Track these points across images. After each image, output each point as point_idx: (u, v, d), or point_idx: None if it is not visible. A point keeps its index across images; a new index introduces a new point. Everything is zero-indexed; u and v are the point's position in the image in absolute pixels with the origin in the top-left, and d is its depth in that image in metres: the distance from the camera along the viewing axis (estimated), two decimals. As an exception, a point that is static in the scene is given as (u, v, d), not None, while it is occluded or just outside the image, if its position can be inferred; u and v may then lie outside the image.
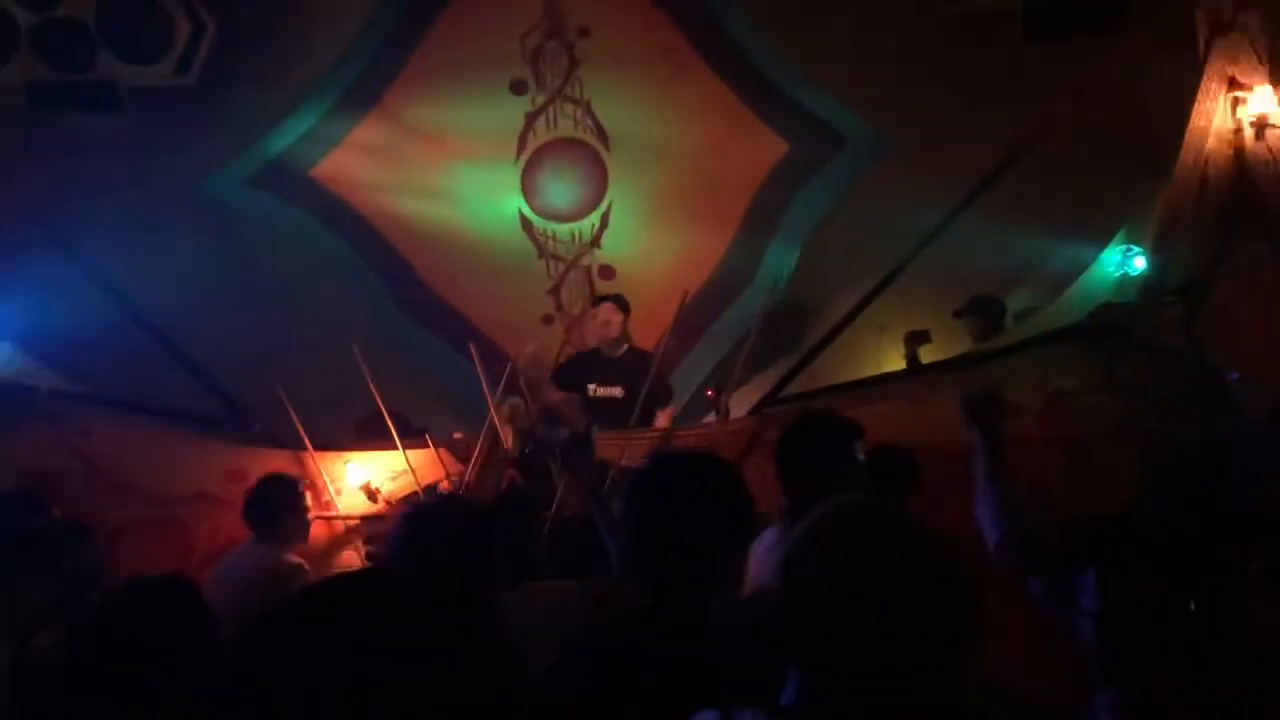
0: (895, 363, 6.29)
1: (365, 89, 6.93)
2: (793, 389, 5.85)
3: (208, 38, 6.54)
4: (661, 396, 5.99)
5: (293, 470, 5.48)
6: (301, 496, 4.69)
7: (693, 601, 1.99)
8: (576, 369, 6.23)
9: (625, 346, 6.19)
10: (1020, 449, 4.90)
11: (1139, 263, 5.29)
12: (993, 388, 3.29)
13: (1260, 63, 4.88)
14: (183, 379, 5.98)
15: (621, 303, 6.21)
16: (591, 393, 6.10)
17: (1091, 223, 5.81)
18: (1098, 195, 5.98)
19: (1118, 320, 5.10)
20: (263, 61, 6.82)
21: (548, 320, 7.07)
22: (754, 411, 5.60)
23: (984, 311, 6.22)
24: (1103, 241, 5.56)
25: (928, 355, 6.30)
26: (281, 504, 4.54)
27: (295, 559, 4.43)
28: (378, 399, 5.49)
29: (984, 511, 3.10)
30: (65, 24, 6.45)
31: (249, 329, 6.44)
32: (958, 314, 6.36)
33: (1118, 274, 5.45)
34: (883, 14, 6.58)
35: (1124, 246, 5.47)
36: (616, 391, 6.03)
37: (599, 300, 6.37)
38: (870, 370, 6.21)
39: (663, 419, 5.86)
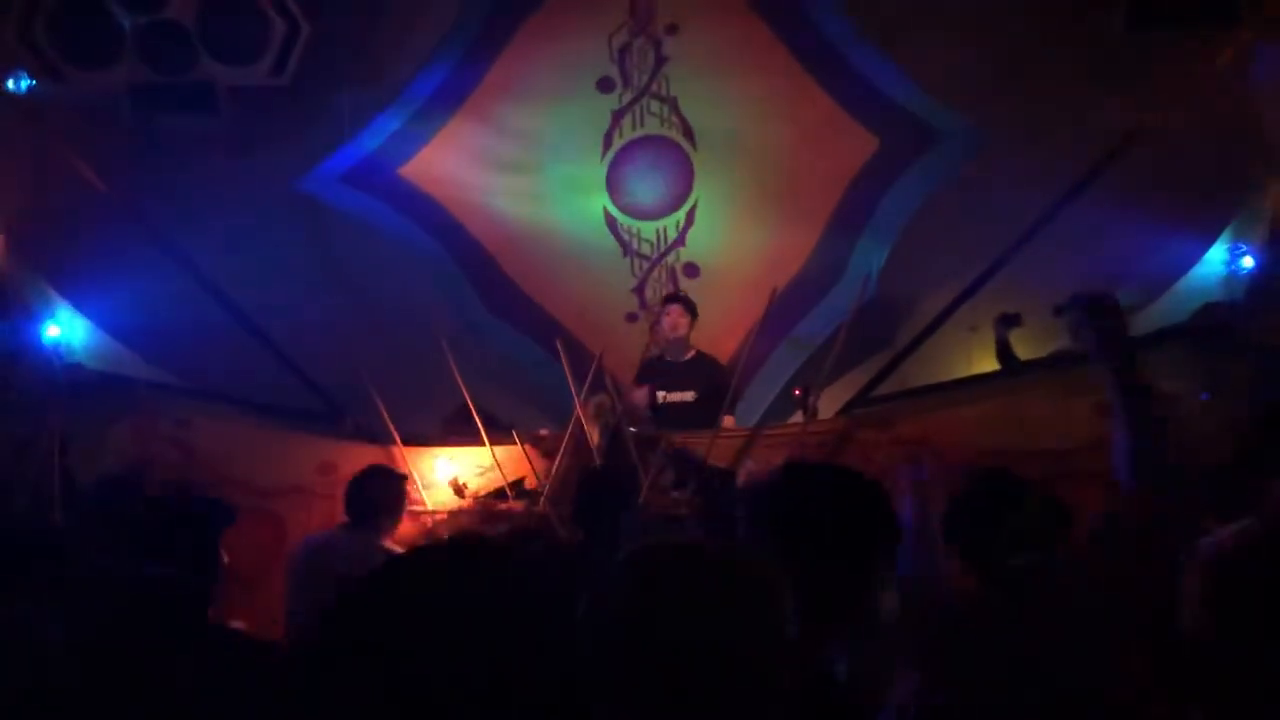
0: (987, 364, 6.12)
1: (454, 88, 6.99)
2: (882, 390, 5.76)
3: (302, 39, 6.65)
4: (725, 402, 5.92)
5: (383, 464, 5.56)
6: (404, 494, 4.86)
7: None
8: (645, 378, 6.20)
9: (692, 351, 6.16)
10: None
11: (1248, 261, 5.08)
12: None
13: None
14: (277, 373, 6.11)
15: (689, 305, 6.18)
16: (661, 399, 6.06)
17: (1198, 219, 5.60)
18: (1205, 190, 5.76)
19: (1225, 320, 4.93)
20: (354, 62, 6.93)
21: (631, 318, 7.06)
22: (842, 412, 5.53)
23: (1085, 310, 6.03)
24: (1210, 238, 5.35)
25: (1018, 343, 6.13)
26: (387, 499, 4.70)
27: (392, 547, 4.56)
28: (465, 395, 5.53)
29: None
30: (168, 27, 6.62)
31: (340, 324, 6.54)
32: (1057, 311, 6.15)
33: (1225, 272, 5.24)
34: (978, 3, 6.43)
35: (1232, 244, 5.26)
36: (688, 396, 5.99)
37: (667, 300, 6.34)
38: (961, 371, 6.08)
39: (728, 421, 5.81)
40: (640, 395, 5.91)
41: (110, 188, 6.52)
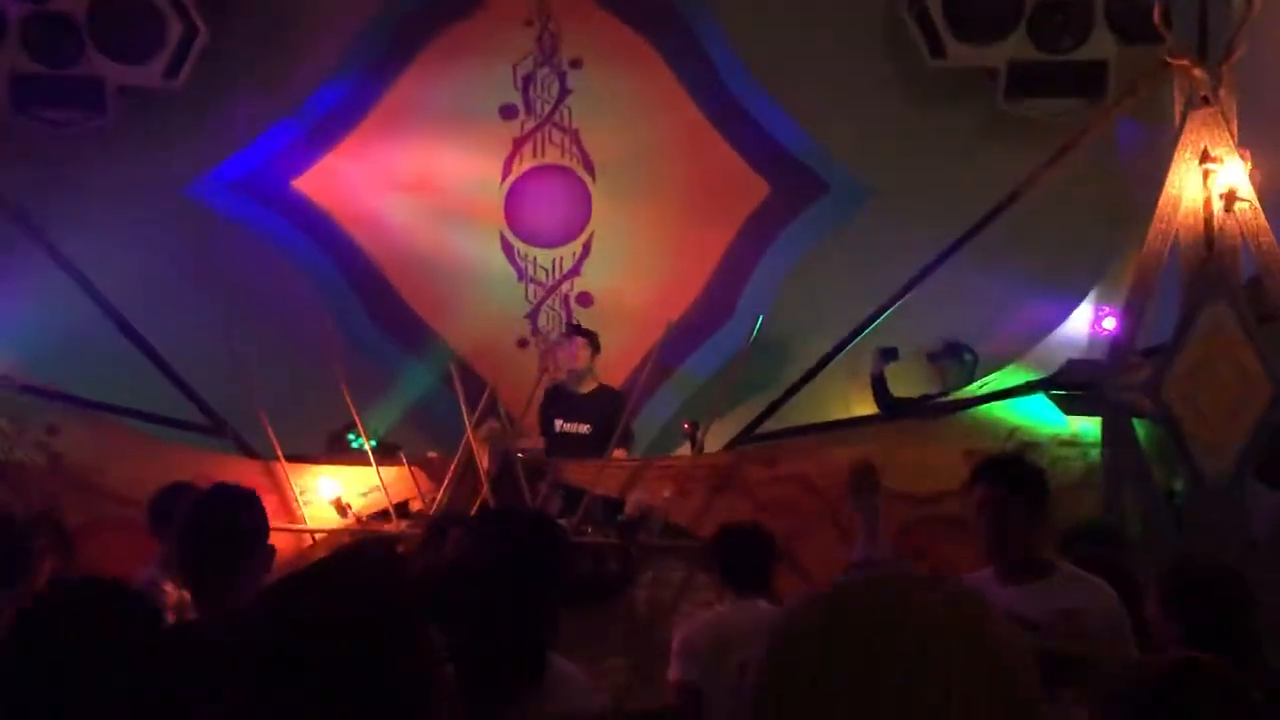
0: (864, 407, 6.37)
1: (354, 103, 6.96)
2: (766, 428, 5.94)
3: (199, 42, 6.53)
4: (625, 439, 6.04)
5: (261, 480, 5.45)
6: None
7: None
8: (545, 405, 6.23)
9: (595, 385, 6.22)
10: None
11: (1110, 322, 5.44)
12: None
13: (1232, 138, 5.07)
14: (156, 381, 5.94)
15: (591, 338, 6.26)
16: (558, 428, 6.09)
17: (1066, 280, 5.97)
18: (1073, 253, 6.14)
19: (1086, 377, 5.25)
20: (253, 69, 6.83)
21: (523, 344, 7.11)
22: (728, 448, 5.68)
23: (957, 358, 6.31)
24: (1076, 299, 5.71)
25: (892, 382, 6.39)
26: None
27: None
28: (355, 415, 5.50)
29: None
30: (56, 18, 6.41)
31: (225, 335, 6.39)
32: (932, 358, 6.46)
33: (1089, 331, 5.59)
34: (871, 66, 6.75)
35: (1096, 305, 5.62)
36: (584, 428, 6.03)
37: (569, 331, 6.42)
38: (840, 412, 6.30)
39: (618, 455, 5.91)
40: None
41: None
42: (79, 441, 5.45)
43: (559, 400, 6.17)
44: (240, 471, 5.37)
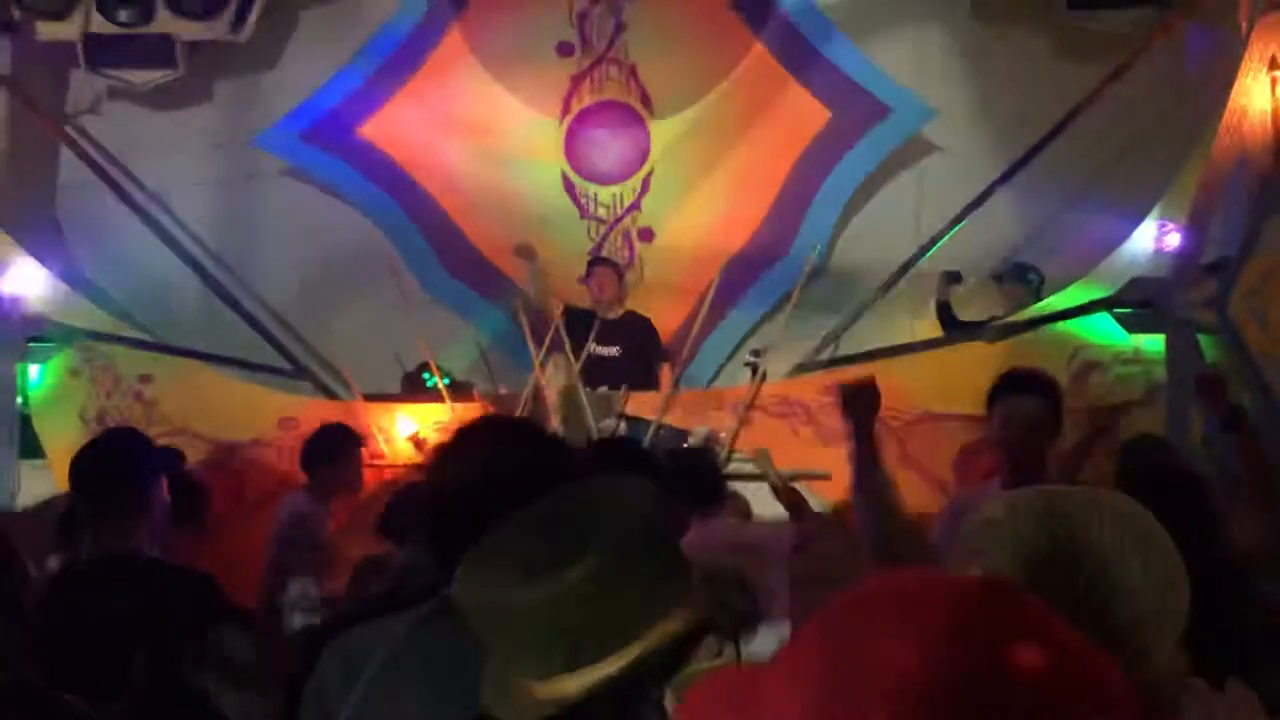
0: (930, 331, 6.38)
1: (413, 48, 7.04)
2: (827, 355, 6.01)
3: (262, -4, 6.66)
4: (657, 358, 6.21)
5: (343, 419, 5.69)
6: (349, 449, 4.91)
7: None
8: (575, 327, 6.29)
9: (623, 310, 6.37)
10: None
11: (1174, 238, 5.36)
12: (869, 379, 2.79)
13: (1303, 42, 4.92)
14: (237, 327, 6.20)
15: (615, 267, 6.49)
16: (591, 351, 6.24)
17: (1130, 194, 5.87)
18: (1138, 167, 6.03)
19: (1150, 294, 5.20)
20: (313, 20, 6.97)
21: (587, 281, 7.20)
22: (790, 376, 5.76)
23: (1023, 279, 6.24)
24: (1140, 215, 5.63)
25: (959, 303, 6.38)
26: (325, 454, 4.82)
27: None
28: (427, 356, 5.69)
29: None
30: (125, -21, 6.58)
31: (300, 281, 6.63)
32: (997, 279, 6.41)
33: (1153, 248, 5.52)
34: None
35: (1160, 221, 5.54)
36: (614, 351, 6.19)
37: (593, 263, 6.57)
38: (904, 337, 6.32)
39: (665, 375, 6.08)
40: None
41: (68, 139, 6.53)
42: (169, 388, 5.72)
43: (588, 324, 6.30)
44: (323, 412, 5.64)
